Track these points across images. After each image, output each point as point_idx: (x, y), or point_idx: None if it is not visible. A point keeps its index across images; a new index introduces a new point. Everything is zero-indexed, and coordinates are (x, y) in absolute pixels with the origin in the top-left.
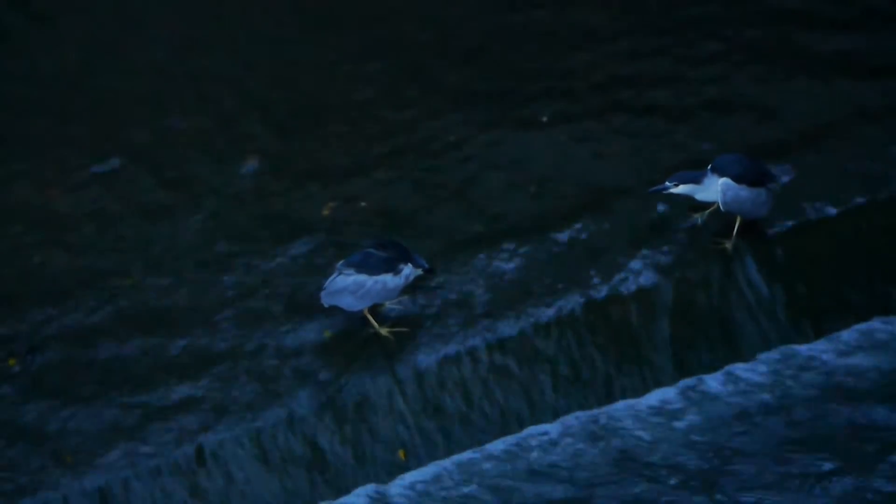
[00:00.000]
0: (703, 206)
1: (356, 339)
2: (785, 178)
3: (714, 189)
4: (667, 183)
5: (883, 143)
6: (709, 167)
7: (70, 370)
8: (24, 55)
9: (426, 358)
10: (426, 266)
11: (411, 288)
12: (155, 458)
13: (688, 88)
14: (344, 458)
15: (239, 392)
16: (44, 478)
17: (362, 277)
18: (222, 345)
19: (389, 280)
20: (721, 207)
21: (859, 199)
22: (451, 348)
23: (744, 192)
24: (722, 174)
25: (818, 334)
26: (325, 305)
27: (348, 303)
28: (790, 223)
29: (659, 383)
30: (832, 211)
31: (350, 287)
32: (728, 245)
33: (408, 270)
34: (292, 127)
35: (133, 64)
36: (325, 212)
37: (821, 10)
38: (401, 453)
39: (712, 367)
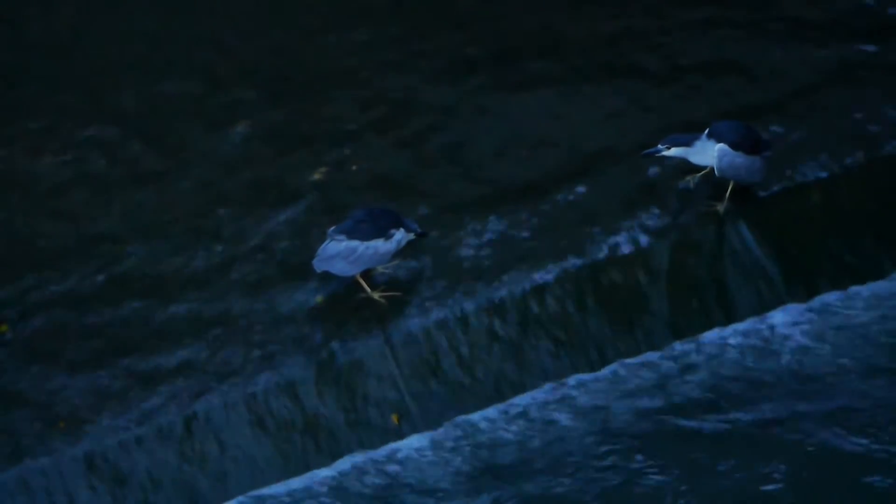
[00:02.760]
0: (696, 169)
1: (348, 304)
2: (776, 141)
3: (710, 154)
4: (659, 146)
5: (873, 104)
6: (705, 132)
7: (62, 336)
8: (13, 22)
9: (419, 322)
10: (419, 230)
11: (404, 252)
12: (148, 423)
13: (677, 51)
14: (337, 423)
15: (231, 357)
16: (36, 443)
17: (354, 243)
18: (214, 310)
19: (381, 245)
20: (716, 173)
21: (850, 161)
22: (443, 312)
23: (739, 158)
24: (718, 140)
25: (811, 296)
26: (318, 271)
27: (340, 268)
28: (782, 185)
29: (653, 346)
30: (823, 173)
31: (342, 253)
32: (720, 208)
33: (399, 235)
34: (283, 92)
35: (123, 30)
36: (317, 176)
37: None
38: (394, 417)
39: (705, 329)
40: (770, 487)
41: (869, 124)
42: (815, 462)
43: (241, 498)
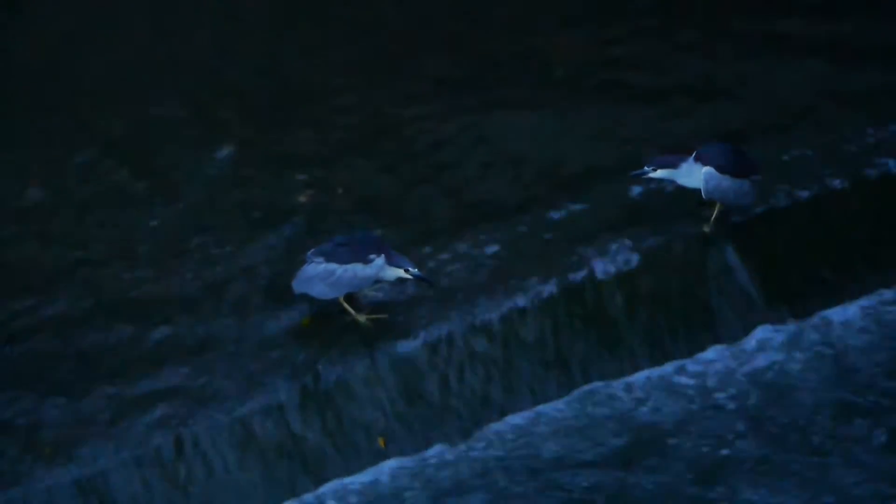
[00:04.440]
0: (707, 215)
1: (334, 327)
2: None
3: (697, 177)
4: (645, 168)
5: (860, 127)
6: (693, 154)
7: (48, 360)
8: None
9: (405, 345)
10: (419, 274)
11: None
12: (134, 448)
13: (664, 72)
14: (323, 447)
15: (218, 381)
16: (23, 469)
17: (332, 266)
18: (201, 334)
19: (359, 269)
20: (703, 196)
21: (836, 183)
22: (429, 334)
23: (726, 182)
24: (706, 163)
25: (796, 318)
26: (297, 293)
27: (320, 291)
28: (769, 207)
29: (637, 368)
30: (810, 195)
31: (320, 275)
32: (706, 229)
33: (380, 262)
34: (269, 114)
35: (109, 55)
36: (303, 199)
37: None
38: (381, 441)
39: (690, 353)
40: None
41: (853, 146)
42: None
43: None
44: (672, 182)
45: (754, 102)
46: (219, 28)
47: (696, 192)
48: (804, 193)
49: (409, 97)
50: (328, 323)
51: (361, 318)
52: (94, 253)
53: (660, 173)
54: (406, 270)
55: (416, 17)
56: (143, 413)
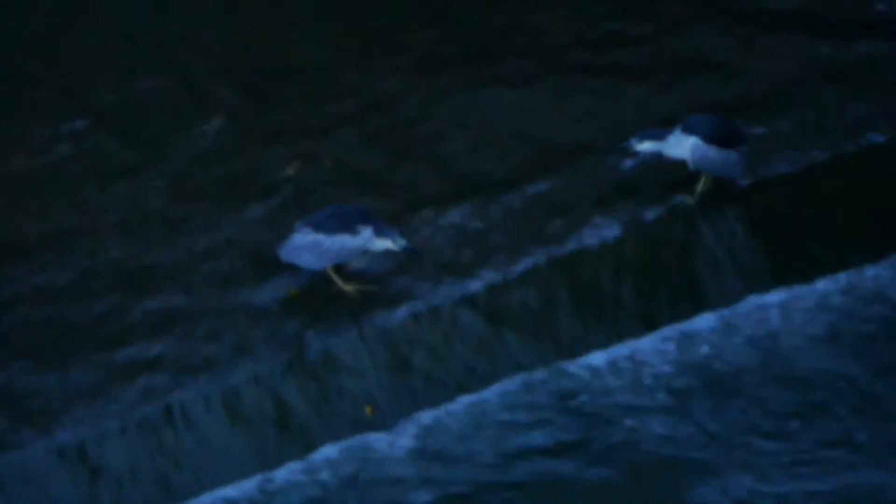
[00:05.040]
0: (693, 188)
1: (322, 297)
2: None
3: (684, 147)
4: (632, 140)
5: (842, 100)
6: (679, 126)
7: (37, 331)
8: None
9: (392, 315)
10: (406, 245)
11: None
12: (123, 417)
13: (651, 48)
14: (311, 416)
15: (206, 350)
16: (12, 438)
17: (320, 236)
18: (189, 304)
19: (347, 240)
20: (690, 166)
21: (821, 156)
22: (416, 305)
23: (713, 152)
24: (692, 133)
25: (779, 287)
26: (284, 262)
27: (307, 261)
28: (754, 180)
29: (623, 339)
30: (795, 168)
31: (308, 245)
32: (692, 201)
33: (367, 234)
34: (257, 88)
35: (98, 28)
36: (290, 171)
37: None
38: (368, 409)
39: (675, 323)
40: None
41: (837, 120)
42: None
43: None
44: (659, 155)
45: (740, 78)
46: (208, 3)
47: (684, 164)
48: (790, 167)
49: (398, 71)
50: (316, 293)
51: (349, 288)
52: (82, 223)
53: (646, 146)
54: (394, 242)
55: None
56: (132, 382)
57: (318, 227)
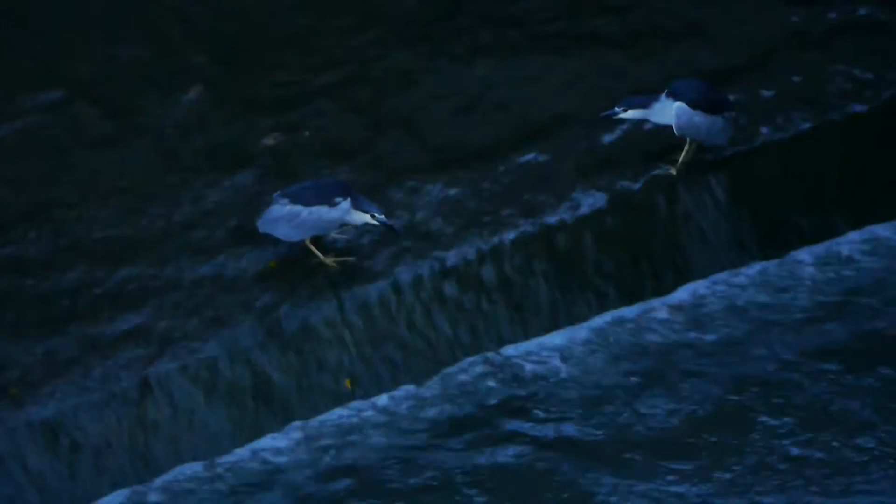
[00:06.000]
0: (675, 157)
1: (301, 269)
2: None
3: (669, 113)
4: (616, 108)
5: (822, 67)
6: (665, 91)
7: (12, 302)
8: None
9: (371, 287)
10: (386, 221)
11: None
12: (101, 390)
13: (629, 16)
14: (289, 388)
15: (184, 322)
16: None
17: (297, 208)
18: (166, 275)
19: (325, 212)
20: (675, 132)
21: (804, 124)
22: (396, 277)
23: (698, 117)
24: (677, 99)
25: (764, 259)
26: (261, 233)
27: (285, 232)
28: (736, 148)
29: (604, 310)
30: (777, 136)
31: (285, 216)
32: (674, 171)
33: (345, 206)
34: (236, 57)
35: None
36: (269, 142)
37: None
38: (347, 383)
39: (658, 294)
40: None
41: (818, 87)
42: None
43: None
44: (644, 122)
45: (720, 45)
46: None
47: (669, 131)
48: (774, 136)
49: (377, 42)
50: (295, 265)
51: (328, 260)
52: (59, 194)
53: (631, 113)
54: (372, 216)
55: None
56: (110, 354)
57: (296, 198)
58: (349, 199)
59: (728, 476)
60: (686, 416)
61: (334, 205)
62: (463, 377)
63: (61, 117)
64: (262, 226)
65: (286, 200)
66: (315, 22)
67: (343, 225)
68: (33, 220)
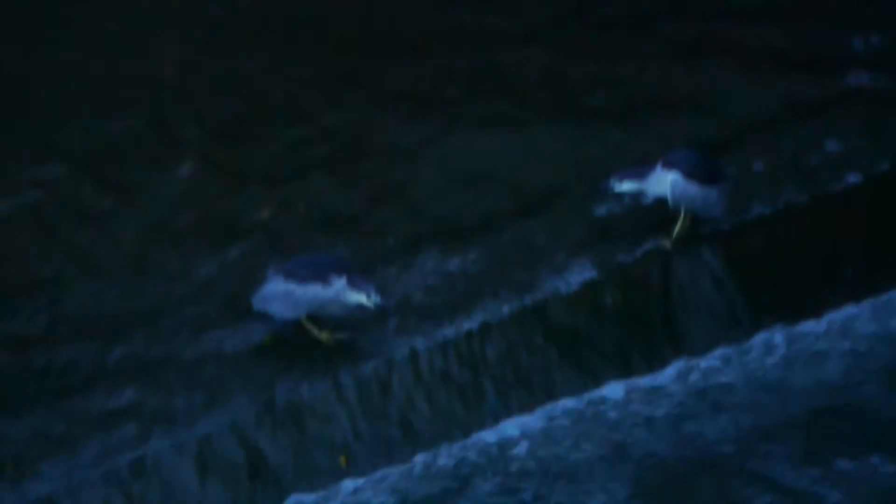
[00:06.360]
0: (670, 234)
1: (296, 345)
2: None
3: (664, 184)
4: (612, 181)
5: (818, 138)
6: (660, 162)
7: (6, 378)
8: None
9: (367, 363)
10: (380, 303)
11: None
12: (95, 467)
13: (623, 87)
14: (284, 465)
15: (177, 399)
16: None
17: (292, 286)
18: (160, 351)
19: (319, 290)
20: (670, 203)
21: (798, 197)
22: (392, 353)
23: (693, 188)
24: (672, 169)
25: (758, 331)
26: (256, 311)
27: (279, 309)
28: (731, 221)
29: (600, 384)
30: (772, 209)
31: (279, 294)
32: (668, 244)
33: (340, 284)
34: (229, 130)
35: (68, 70)
36: (264, 215)
37: (747, 3)
38: (342, 460)
39: (653, 368)
40: None
41: (813, 159)
42: None
43: None
44: (640, 193)
45: (714, 115)
46: (175, 44)
47: (663, 204)
48: (767, 209)
49: (370, 113)
50: (290, 341)
51: (323, 335)
52: (54, 269)
53: (627, 185)
54: (367, 297)
55: (375, 34)
56: (103, 431)
57: (290, 275)
58: (344, 277)
59: None
60: None
61: (329, 283)
62: (452, 457)
63: (53, 191)
64: (257, 303)
65: (281, 277)
66: (306, 95)
67: (338, 302)
68: (26, 294)
